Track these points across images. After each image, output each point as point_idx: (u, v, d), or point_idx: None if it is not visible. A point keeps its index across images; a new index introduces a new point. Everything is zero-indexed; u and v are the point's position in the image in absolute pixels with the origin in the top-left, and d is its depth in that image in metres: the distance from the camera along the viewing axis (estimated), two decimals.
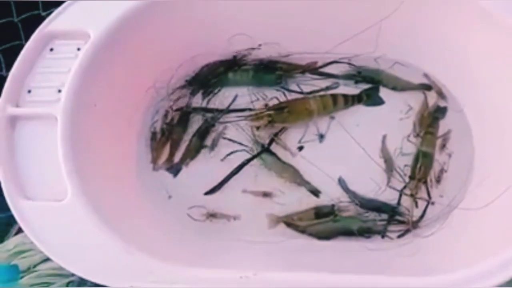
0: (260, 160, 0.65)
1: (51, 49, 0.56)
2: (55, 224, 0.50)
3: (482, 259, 0.48)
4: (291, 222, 0.62)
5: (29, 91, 0.54)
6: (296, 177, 0.64)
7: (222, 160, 0.66)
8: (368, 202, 0.62)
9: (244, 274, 0.46)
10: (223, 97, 0.68)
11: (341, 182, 0.63)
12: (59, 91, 0.54)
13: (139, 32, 0.60)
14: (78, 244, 0.49)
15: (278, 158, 0.65)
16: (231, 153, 0.65)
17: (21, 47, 0.55)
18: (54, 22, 0.57)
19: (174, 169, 0.66)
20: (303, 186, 0.64)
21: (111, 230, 0.49)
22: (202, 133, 0.67)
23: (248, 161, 0.65)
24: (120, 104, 0.62)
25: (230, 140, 0.67)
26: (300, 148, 0.66)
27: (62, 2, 0.57)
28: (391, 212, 0.62)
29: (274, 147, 0.66)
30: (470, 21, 0.59)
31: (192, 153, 0.66)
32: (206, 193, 0.64)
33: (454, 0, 0.58)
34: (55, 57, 0.56)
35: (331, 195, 0.63)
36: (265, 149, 0.65)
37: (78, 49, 0.56)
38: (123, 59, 0.60)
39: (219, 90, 0.69)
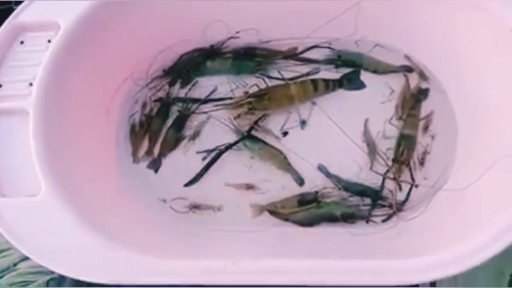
0: (245, 148, 0.64)
1: (22, 42, 0.55)
2: (30, 220, 0.48)
3: (467, 240, 0.48)
4: (274, 210, 0.61)
5: (0, 86, 0.53)
6: (283, 162, 0.63)
7: (198, 153, 0.64)
8: (351, 186, 0.62)
9: (223, 263, 0.45)
10: (202, 86, 0.67)
11: (321, 168, 0.63)
12: (31, 84, 0.52)
13: (112, 21, 0.58)
14: (55, 240, 0.48)
15: (265, 143, 0.64)
16: (215, 149, 0.64)
17: None
18: (23, 14, 0.55)
19: (154, 165, 0.65)
20: (289, 172, 0.63)
21: (88, 225, 0.48)
22: (178, 124, 0.65)
23: (225, 149, 0.63)
24: (96, 96, 0.61)
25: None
26: (285, 134, 0.65)
27: None
28: (375, 196, 0.61)
29: (257, 135, 0.65)
30: (451, 1, 0.58)
31: (169, 145, 0.65)
32: (186, 185, 0.63)
33: None
34: (26, 50, 0.54)
35: (315, 181, 0.63)
36: (246, 136, 0.64)
37: (49, 41, 0.54)
38: (97, 49, 0.58)
39: (197, 80, 0.68)
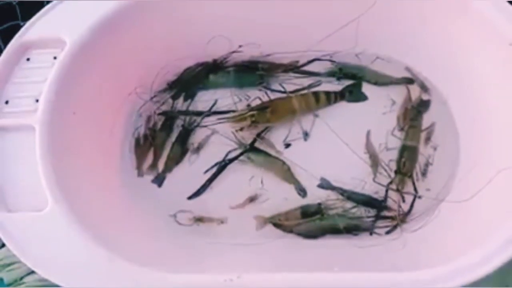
0: (249, 160, 0.65)
1: (28, 59, 0.56)
2: (37, 234, 0.49)
3: (471, 251, 0.48)
4: (278, 222, 0.61)
5: (7, 102, 0.54)
6: (287, 173, 0.64)
7: (205, 172, 0.65)
8: (355, 196, 0.62)
9: (228, 277, 0.46)
10: (205, 100, 0.68)
11: (323, 182, 0.63)
12: (37, 100, 0.53)
13: (117, 37, 0.59)
14: (61, 254, 0.49)
15: (268, 154, 0.65)
16: (219, 162, 0.65)
17: None
18: (30, 31, 0.56)
19: (158, 180, 0.65)
20: (292, 184, 0.63)
21: (93, 239, 0.49)
22: (182, 138, 0.66)
23: (228, 162, 0.64)
24: (101, 110, 0.62)
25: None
26: (287, 145, 0.66)
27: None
28: (379, 206, 0.61)
29: (260, 147, 0.65)
30: (450, 12, 0.59)
31: (174, 158, 0.65)
32: (189, 198, 0.64)
33: None
34: (32, 67, 0.55)
35: (318, 193, 0.63)
36: (250, 149, 0.64)
37: (55, 58, 0.55)
38: (102, 65, 0.59)
39: (201, 93, 0.68)
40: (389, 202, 0.62)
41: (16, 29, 0.57)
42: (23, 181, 0.51)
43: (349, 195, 0.62)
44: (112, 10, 0.57)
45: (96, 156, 0.60)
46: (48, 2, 0.58)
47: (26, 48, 0.56)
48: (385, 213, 0.61)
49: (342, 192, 0.62)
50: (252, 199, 0.63)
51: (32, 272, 0.60)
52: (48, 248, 0.49)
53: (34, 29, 0.56)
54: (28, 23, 0.57)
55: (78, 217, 0.50)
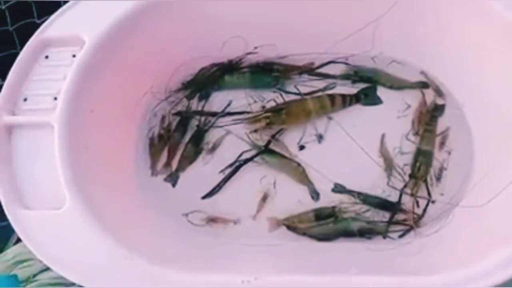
0: (263, 161, 0.65)
1: (46, 57, 0.56)
2: (54, 232, 0.49)
3: (485, 257, 0.48)
4: (291, 225, 0.61)
5: (25, 99, 0.54)
6: (302, 174, 0.64)
7: (220, 172, 0.65)
8: (370, 199, 0.62)
9: (245, 279, 0.46)
10: (220, 101, 0.68)
11: (337, 187, 0.63)
12: (55, 98, 0.53)
13: (134, 36, 0.59)
14: (78, 252, 0.49)
15: (283, 156, 0.65)
16: (234, 162, 0.65)
17: (16, 55, 0.55)
18: (49, 29, 0.57)
19: (172, 179, 0.65)
20: (307, 186, 0.64)
21: (110, 237, 0.49)
22: (197, 138, 0.66)
23: (243, 163, 0.64)
24: (117, 109, 0.62)
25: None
26: (301, 147, 0.66)
27: (56, 9, 0.57)
28: (393, 210, 0.61)
29: (274, 148, 0.65)
30: (467, 17, 0.59)
31: (188, 158, 0.65)
32: (203, 197, 0.64)
33: None
34: (51, 64, 0.56)
35: (332, 196, 0.63)
36: (264, 150, 0.64)
37: (74, 56, 0.55)
38: (119, 64, 0.59)
39: (216, 93, 0.69)
40: (403, 206, 0.62)
41: (31, 26, 0.58)
42: (41, 179, 0.51)
43: (363, 198, 0.62)
44: (130, 10, 0.58)
45: (111, 155, 0.60)
46: (65, 2, 0.58)
47: (45, 46, 0.56)
48: (399, 217, 0.61)
49: (356, 195, 0.62)
50: (265, 199, 0.63)
51: (46, 269, 0.60)
52: (65, 246, 0.49)
53: (53, 27, 0.57)
54: (47, 21, 0.57)
55: (95, 215, 0.50)
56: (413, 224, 0.60)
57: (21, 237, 0.49)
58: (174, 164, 0.66)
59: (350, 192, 0.62)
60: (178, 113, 0.68)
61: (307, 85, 0.68)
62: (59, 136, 0.51)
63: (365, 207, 0.62)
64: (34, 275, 0.61)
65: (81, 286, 0.48)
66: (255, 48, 0.67)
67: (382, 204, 0.62)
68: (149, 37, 0.62)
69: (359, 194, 0.62)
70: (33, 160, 0.52)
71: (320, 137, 0.66)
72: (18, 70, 0.55)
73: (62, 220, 0.49)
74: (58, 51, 0.56)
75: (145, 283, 0.48)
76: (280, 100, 0.67)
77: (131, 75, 0.62)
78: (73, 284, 0.49)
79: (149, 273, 0.48)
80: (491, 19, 0.57)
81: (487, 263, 0.48)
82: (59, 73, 0.55)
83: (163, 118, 0.67)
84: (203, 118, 0.67)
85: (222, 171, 0.65)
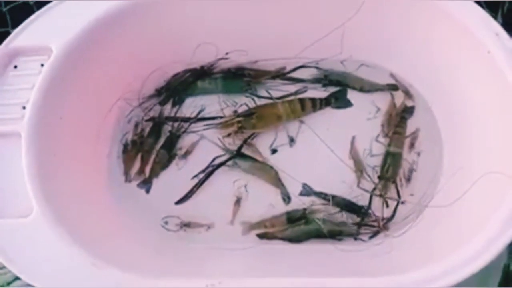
0: (236, 166, 0.65)
1: (15, 66, 0.56)
2: (22, 240, 0.50)
3: (453, 253, 0.49)
4: (263, 230, 0.62)
5: None
6: (274, 178, 0.64)
7: (194, 177, 0.65)
8: (339, 201, 0.63)
9: (210, 283, 0.46)
10: (193, 106, 0.69)
11: (305, 188, 0.64)
12: (24, 108, 0.54)
13: (104, 43, 0.60)
14: (46, 260, 0.49)
15: (255, 159, 0.65)
16: (206, 167, 0.65)
17: None
18: (17, 39, 0.57)
19: (146, 185, 0.66)
20: (279, 189, 0.64)
21: (78, 244, 0.49)
22: (170, 144, 0.67)
23: (216, 168, 0.65)
24: (89, 116, 0.62)
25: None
26: (274, 151, 0.66)
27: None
28: (362, 213, 0.62)
29: (247, 153, 0.66)
30: (432, 20, 0.60)
31: (161, 164, 0.66)
32: (177, 203, 0.64)
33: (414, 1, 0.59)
34: (19, 74, 0.56)
35: (303, 199, 0.64)
36: (237, 154, 0.65)
37: (42, 65, 0.56)
38: (89, 71, 0.60)
39: (189, 99, 0.69)
40: (373, 208, 0.63)
41: (6, 36, 0.58)
42: (8, 188, 0.51)
43: (332, 201, 0.62)
44: (99, 17, 0.58)
45: (83, 162, 0.61)
46: (38, 9, 0.59)
47: (14, 56, 0.56)
48: (368, 219, 0.62)
49: (324, 197, 0.63)
50: (238, 203, 0.64)
51: (18, 278, 0.60)
52: (34, 254, 0.49)
53: (22, 36, 0.57)
54: (15, 31, 0.57)
55: (63, 223, 0.51)
56: (381, 226, 0.60)
57: None
58: (148, 170, 0.66)
59: (317, 194, 0.63)
60: (151, 119, 0.68)
61: (279, 89, 0.69)
62: (26, 144, 0.52)
63: (335, 209, 0.62)
64: (8, 283, 0.61)
65: None
66: (227, 54, 0.68)
67: (350, 206, 0.62)
68: (120, 44, 0.62)
69: (326, 196, 0.63)
70: (1, 169, 0.52)
71: (291, 141, 0.66)
72: None
73: (30, 228, 0.50)
74: (27, 60, 0.56)
75: None
76: (252, 105, 0.68)
77: (102, 82, 0.63)
78: None
79: (116, 280, 0.48)
80: (454, 22, 0.58)
81: (456, 261, 0.49)
82: (28, 83, 0.55)
83: (136, 124, 0.68)
84: (176, 124, 0.68)
85: (195, 176, 0.65)
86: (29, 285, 0.51)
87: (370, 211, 0.62)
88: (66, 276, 0.49)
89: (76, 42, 0.56)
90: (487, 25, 0.55)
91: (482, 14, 0.55)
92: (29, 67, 0.56)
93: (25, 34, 0.57)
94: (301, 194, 0.64)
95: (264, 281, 0.48)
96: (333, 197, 0.63)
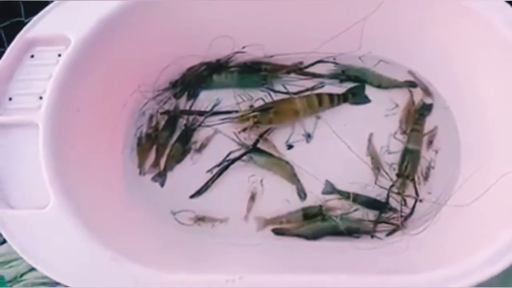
0: (251, 161, 0.64)
1: (32, 56, 0.56)
2: (38, 232, 0.49)
3: (472, 254, 0.49)
4: (279, 226, 0.61)
5: (10, 99, 0.54)
6: (290, 173, 0.64)
7: (208, 171, 0.65)
8: (358, 198, 0.62)
9: (230, 278, 0.46)
10: (208, 100, 0.68)
11: (328, 186, 0.63)
12: (41, 98, 0.53)
13: (121, 35, 0.59)
14: (62, 252, 0.49)
15: (271, 155, 0.65)
16: (222, 162, 0.65)
17: (3, 54, 0.55)
18: (35, 28, 0.56)
19: (160, 178, 0.65)
20: (295, 185, 0.64)
21: (95, 236, 0.49)
22: (185, 137, 0.66)
23: (231, 162, 0.64)
24: (104, 108, 0.62)
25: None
26: (290, 147, 0.66)
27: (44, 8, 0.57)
28: (381, 209, 0.61)
29: (262, 148, 0.65)
30: (453, 17, 0.59)
31: (176, 157, 0.65)
32: (191, 196, 0.64)
33: None
34: (36, 64, 0.55)
35: (319, 195, 0.63)
36: (252, 149, 0.64)
37: (59, 55, 0.55)
38: (105, 63, 0.59)
39: (204, 93, 0.68)
40: (391, 205, 0.62)
41: (19, 25, 0.57)
42: (25, 178, 0.51)
43: (352, 197, 0.62)
44: (117, 9, 0.57)
45: (98, 154, 0.60)
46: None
47: (31, 45, 0.56)
48: (386, 215, 0.61)
49: (346, 194, 0.62)
50: (253, 198, 0.63)
51: (32, 269, 0.60)
52: (49, 246, 0.49)
53: (39, 26, 0.56)
54: (33, 20, 0.56)
55: (80, 215, 0.50)
56: (400, 223, 0.60)
57: (5, 237, 0.49)
58: (162, 163, 0.66)
59: (340, 192, 0.62)
60: (166, 112, 0.68)
61: (296, 84, 0.68)
62: (44, 136, 0.51)
63: (353, 206, 0.62)
64: (21, 275, 0.60)
65: (67, 286, 0.48)
66: (243, 47, 0.67)
67: (371, 203, 0.62)
68: (136, 36, 0.61)
69: (349, 194, 0.62)
70: (18, 160, 0.52)
71: (308, 136, 0.66)
72: (3, 69, 0.54)
73: (47, 219, 0.49)
74: (44, 50, 0.56)
75: (129, 283, 0.48)
76: (268, 99, 0.67)
77: (118, 74, 0.62)
78: (59, 283, 0.49)
79: (134, 273, 0.48)
80: (474, 18, 0.57)
81: (475, 261, 0.48)
82: (45, 73, 0.54)
83: (151, 117, 0.67)
84: (191, 117, 0.67)
85: (210, 170, 0.65)
86: (44, 276, 0.50)
87: (391, 207, 0.61)
88: (82, 269, 0.49)
89: (94, 33, 0.55)
90: (509, 18, 0.54)
91: (503, 7, 0.55)
92: (46, 57, 0.55)
93: (42, 24, 0.56)
94: (323, 192, 0.63)
95: (283, 276, 0.48)
96: (357, 195, 0.62)
